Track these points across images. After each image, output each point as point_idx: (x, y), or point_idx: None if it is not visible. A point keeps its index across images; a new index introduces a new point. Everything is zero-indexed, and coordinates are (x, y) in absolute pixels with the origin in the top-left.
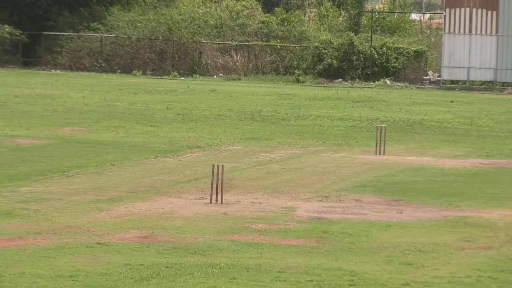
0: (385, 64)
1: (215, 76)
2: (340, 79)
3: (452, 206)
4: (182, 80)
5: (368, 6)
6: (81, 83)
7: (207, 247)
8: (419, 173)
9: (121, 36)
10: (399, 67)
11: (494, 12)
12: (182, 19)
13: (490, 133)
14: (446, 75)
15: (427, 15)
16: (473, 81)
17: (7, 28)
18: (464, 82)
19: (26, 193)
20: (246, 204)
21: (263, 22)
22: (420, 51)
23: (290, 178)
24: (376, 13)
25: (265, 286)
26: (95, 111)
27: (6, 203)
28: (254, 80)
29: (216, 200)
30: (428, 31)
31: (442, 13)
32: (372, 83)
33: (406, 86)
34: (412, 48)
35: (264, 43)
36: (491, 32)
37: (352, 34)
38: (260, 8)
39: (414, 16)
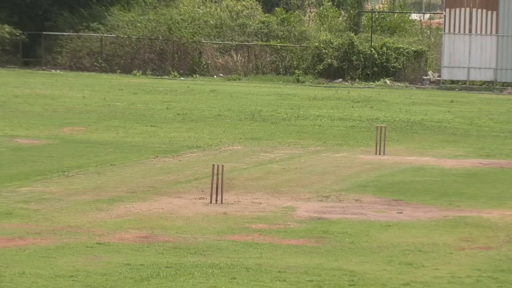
0: (385, 64)
1: (215, 76)
2: (340, 79)
3: (452, 206)
4: (182, 80)
5: (368, 6)
6: (81, 83)
7: (207, 247)
8: (419, 173)
9: (121, 36)
10: (399, 67)
11: (494, 12)
12: (182, 19)
13: (490, 133)
14: (446, 75)
15: (427, 15)
16: (473, 81)
17: (7, 28)
18: (464, 82)
19: (26, 193)
20: (246, 204)
21: (263, 22)
22: (420, 51)
23: (290, 178)
24: (376, 13)
25: (265, 286)
26: (95, 111)
27: (6, 203)
28: (254, 80)
29: (216, 200)
30: (428, 31)
31: (442, 13)
32: (372, 83)
33: (406, 86)
34: (412, 48)
35: (264, 43)
36: (491, 32)
37: (352, 34)
38: (260, 8)
39: (414, 16)
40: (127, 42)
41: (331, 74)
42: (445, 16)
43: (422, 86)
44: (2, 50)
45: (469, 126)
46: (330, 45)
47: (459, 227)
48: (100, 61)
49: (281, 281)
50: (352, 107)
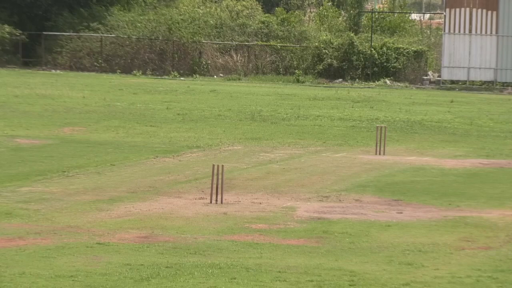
0: (385, 64)
1: (215, 76)
2: (340, 79)
3: (452, 206)
4: (182, 80)
5: (368, 6)
6: (81, 83)
7: (207, 247)
8: (419, 173)
9: (121, 36)
10: (399, 67)
11: (494, 12)
12: (182, 19)
13: (490, 133)
14: (446, 75)
15: (427, 15)
16: (473, 81)
17: (7, 28)
18: (464, 82)
19: (26, 193)
20: (246, 204)
21: (263, 22)
22: (420, 51)
23: (290, 178)
24: (376, 13)
25: (265, 286)
26: (95, 111)
27: (6, 203)
28: (254, 80)
29: (216, 200)
30: (428, 31)
31: (442, 13)
32: (372, 83)
33: (406, 86)
34: (412, 48)
35: (264, 43)
36: (491, 32)
37: (352, 34)
38: (260, 8)
39: (414, 16)
40: (127, 42)
41: (331, 74)
42: (445, 16)
43: (422, 86)
44: (2, 50)
45: (469, 126)
46: (330, 45)
47: (459, 227)
48: (100, 61)
49: (281, 281)
50: (352, 107)
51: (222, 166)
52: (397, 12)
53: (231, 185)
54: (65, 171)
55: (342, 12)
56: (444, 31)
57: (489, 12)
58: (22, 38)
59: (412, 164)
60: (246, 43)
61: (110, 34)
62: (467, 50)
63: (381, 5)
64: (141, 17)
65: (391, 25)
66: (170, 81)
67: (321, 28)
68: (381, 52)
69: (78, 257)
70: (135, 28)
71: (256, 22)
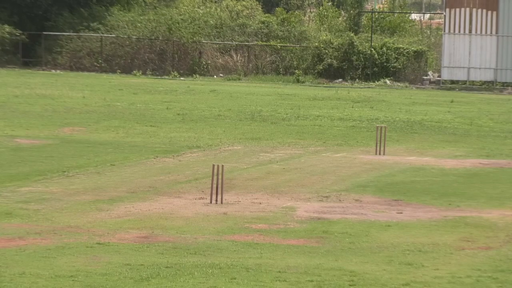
0: (385, 64)
1: (215, 76)
2: (340, 79)
3: (452, 206)
4: (182, 80)
5: (368, 6)
6: (81, 83)
7: (207, 247)
8: (419, 173)
9: (121, 36)
10: (399, 67)
11: (494, 12)
12: (182, 19)
13: (490, 133)
14: (446, 75)
15: (427, 15)
16: (473, 81)
17: (7, 28)
18: (464, 82)
19: (26, 193)
20: (246, 204)
21: (263, 22)
22: (420, 51)
23: (290, 178)
24: (376, 13)
25: (265, 286)
26: (95, 111)
27: (6, 203)
28: (254, 80)
29: (216, 200)
30: (428, 31)
31: (442, 13)
32: (372, 83)
33: (406, 86)
34: (412, 48)
35: (264, 43)
36: (491, 32)
37: (352, 34)
38: (260, 8)
39: (414, 16)
40: (127, 42)
41: (331, 74)
42: (445, 16)
43: (422, 86)
44: (2, 50)
45: (469, 126)
46: (330, 45)
47: (459, 227)
48: (100, 61)
49: (281, 281)
50: (352, 107)
51: (222, 166)
52: (397, 12)
53: (231, 185)
54: (65, 171)
55: (342, 12)
56: (444, 31)
57: (489, 12)
58: (22, 38)
59: (412, 164)
60: (246, 43)
61: (110, 34)
62: (467, 50)
63: (381, 5)
64: (141, 17)
65: (391, 25)
66: (170, 81)
67: (321, 28)
68: (381, 52)
69: (78, 257)
70: (135, 28)
71: (256, 22)
